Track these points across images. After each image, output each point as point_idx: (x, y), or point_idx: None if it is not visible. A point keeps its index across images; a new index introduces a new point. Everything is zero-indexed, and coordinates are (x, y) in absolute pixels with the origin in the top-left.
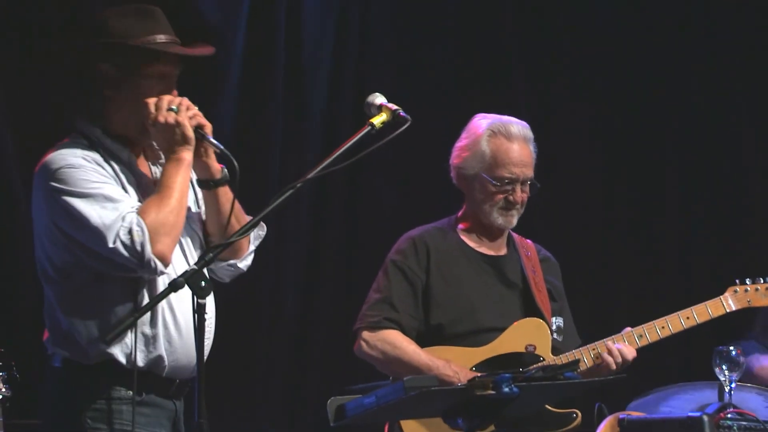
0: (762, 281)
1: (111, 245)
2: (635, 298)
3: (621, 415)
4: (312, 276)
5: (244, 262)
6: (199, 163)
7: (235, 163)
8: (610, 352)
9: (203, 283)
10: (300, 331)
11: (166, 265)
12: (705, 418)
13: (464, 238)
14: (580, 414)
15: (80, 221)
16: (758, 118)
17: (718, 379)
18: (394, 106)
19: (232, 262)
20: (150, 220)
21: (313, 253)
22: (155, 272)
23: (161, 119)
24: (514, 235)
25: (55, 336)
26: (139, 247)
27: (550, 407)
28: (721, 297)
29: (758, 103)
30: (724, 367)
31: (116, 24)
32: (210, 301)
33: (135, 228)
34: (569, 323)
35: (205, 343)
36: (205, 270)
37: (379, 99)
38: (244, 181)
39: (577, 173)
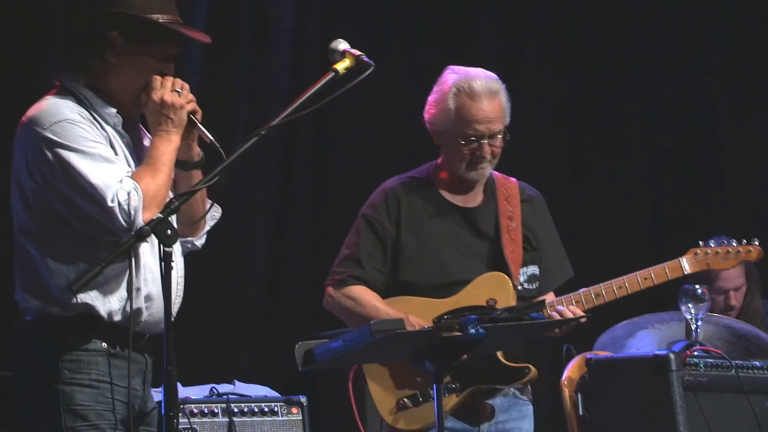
0: (725, 243)
1: (110, 204)
2: (603, 258)
3: (588, 355)
4: (282, 226)
5: (200, 241)
6: (181, 144)
7: (223, 153)
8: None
9: (169, 231)
10: (271, 281)
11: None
12: (671, 356)
13: (440, 188)
14: (533, 369)
15: (78, 178)
16: (730, 75)
17: (685, 317)
18: (357, 52)
19: (189, 239)
20: (144, 187)
21: (283, 203)
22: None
23: (166, 98)
24: (497, 176)
25: (31, 287)
26: (132, 212)
27: (504, 361)
28: (681, 258)
29: (730, 59)
30: (690, 305)
31: None
32: (179, 257)
33: (133, 192)
34: (555, 262)
35: (176, 300)
36: (171, 218)
37: (342, 45)
38: (210, 129)
39: (545, 129)
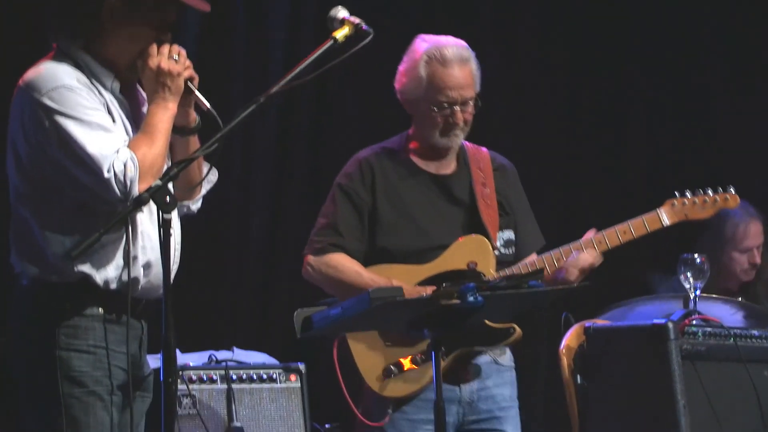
0: (701, 193)
1: (106, 175)
2: (600, 208)
3: (587, 323)
4: (280, 193)
5: (196, 205)
6: (178, 110)
7: (220, 120)
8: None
9: (168, 198)
10: (269, 248)
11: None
12: (670, 324)
13: (413, 157)
14: (518, 329)
15: (74, 147)
16: (730, 71)
17: (683, 287)
18: (357, 20)
19: (185, 203)
20: (141, 157)
21: (281, 169)
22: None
23: (163, 65)
24: (468, 145)
25: (27, 253)
26: (128, 183)
27: (489, 323)
28: (658, 210)
29: (730, 56)
30: (689, 274)
31: None
32: (176, 222)
33: (129, 163)
34: (529, 229)
35: (173, 267)
36: (169, 185)
37: (341, 12)
38: (207, 97)
39: (544, 124)
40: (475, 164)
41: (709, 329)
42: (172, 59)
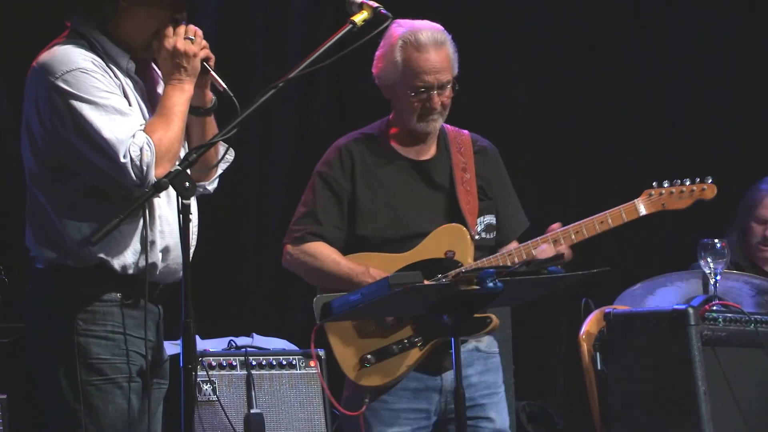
0: (679, 183)
1: (122, 160)
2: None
3: (607, 309)
4: (299, 176)
5: (212, 185)
6: (194, 91)
7: (236, 101)
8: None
9: (187, 184)
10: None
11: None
12: (690, 310)
13: (393, 142)
14: (495, 318)
15: (90, 131)
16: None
17: (703, 271)
18: (375, 4)
19: (201, 183)
20: (157, 142)
21: (300, 152)
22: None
23: (179, 46)
24: (449, 128)
25: (44, 238)
26: (144, 167)
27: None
28: (636, 201)
29: (755, 52)
30: (709, 259)
31: None
32: (194, 206)
33: (145, 148)
34: (511, 212)
35: (190, 250)
36: (188, 170)
37: None
38: (227, 81)
39: (565, 119)
40: (455, 148)
41: (729, 315)
42: (188, 39)
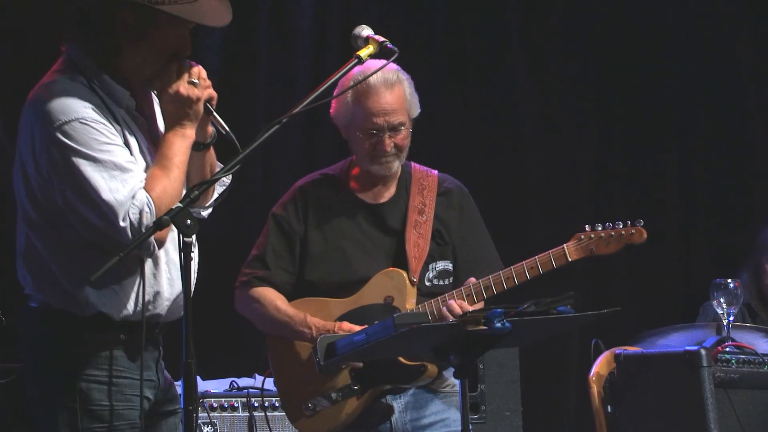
0: (611, 226)
1: (121, 224)
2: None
3: (617, 350)
4: None
5: (207, 211)
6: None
7: (237, 143)
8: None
9: (189, 221)
10: None
11: (161, 246)
12: (703, 351)
13: (352, 183)
14: (430, 366)
15: (89, 191)
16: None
17: (716, 313)
18: (381, 38)
19: (195, 209)
20: (158, 200)
21: None
22: (150, 254)
23: (182, 91)
24: (417, 169)
25: (40, 278)
26: (144, 230)
27: (401, 360)
28: (564, 246)
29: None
30: (722, 300)
31: None
32: (195, 244)
33: (145, 210)
34: (476, 257)
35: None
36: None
37: (365, 31)
38: (231, 115)
39: (574, 128)
40: (417, 189)
41: (742, 356)
42: (191, 84)
